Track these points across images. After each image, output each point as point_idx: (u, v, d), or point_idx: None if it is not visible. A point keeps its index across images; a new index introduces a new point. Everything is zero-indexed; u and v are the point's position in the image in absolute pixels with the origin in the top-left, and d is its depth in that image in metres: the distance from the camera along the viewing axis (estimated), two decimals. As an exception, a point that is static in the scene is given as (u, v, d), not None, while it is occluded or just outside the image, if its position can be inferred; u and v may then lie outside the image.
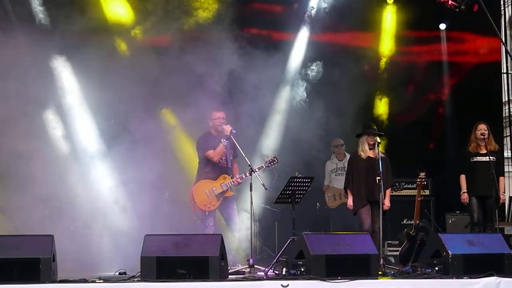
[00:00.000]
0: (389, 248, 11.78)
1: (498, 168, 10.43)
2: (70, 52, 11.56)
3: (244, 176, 9.78)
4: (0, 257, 7.60)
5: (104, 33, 11.63)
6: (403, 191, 12.12)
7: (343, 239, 8.43)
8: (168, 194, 12.25)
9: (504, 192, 10.84)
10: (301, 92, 12.93)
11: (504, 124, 14.11)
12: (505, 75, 14.04)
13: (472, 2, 11.89)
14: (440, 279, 8.06)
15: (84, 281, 7.91)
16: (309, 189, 10.50)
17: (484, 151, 10.39)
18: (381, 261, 9.18)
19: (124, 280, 7.96)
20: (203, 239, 8.34)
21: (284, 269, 8.68)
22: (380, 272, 8.64)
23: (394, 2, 13.28)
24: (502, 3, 13.68)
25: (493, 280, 7.86)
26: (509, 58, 13.76)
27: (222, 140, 9.87)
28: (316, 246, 8.16)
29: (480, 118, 10.77)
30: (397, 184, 10.76)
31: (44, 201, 11.15)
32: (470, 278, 7.94)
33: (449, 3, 12.22)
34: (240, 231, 10.34)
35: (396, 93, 13.42)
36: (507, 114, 14.41)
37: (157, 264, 7.80)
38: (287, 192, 10.15)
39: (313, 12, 12.85)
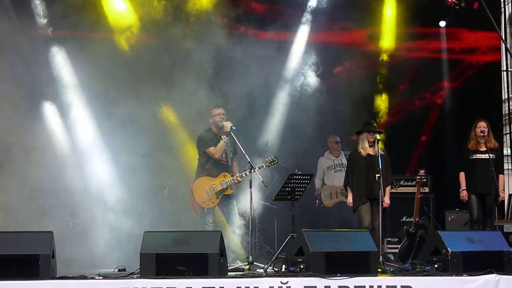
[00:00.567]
0: (388, 245, 11.78)
1: (497, 165, 10.43)
2: (69, 46, 11.56)
3: (244, 175, 9.77)
4: (-1, 253, 7.60)
5: (103, 27, 11.63)
6: (403, 188, 12.16)
7: (342, 236, 8.42)
8: (167, 190, 12.26)
9: (504, 190, 10.84)
10: (299, 88, 12.94)
11: (504, 121, 14.11)
12: (505, 72, 14.03)
13: (472, -1, 11.92)
14: (440, 277, 8.06)
15: (83, 277, 7.90)
16: (309, 186, 10.49)
17: (483, 149, 10.39)
18: (381, 258, 9.17)
19: (123, 277, 7.95)
20: (203, 236, 8.34)
21: (284, 266, 8.68)
22: (379, 269, 8.64)
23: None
24: (502, 0, 13.67)
25: (492, 277, 7.86)
26: (509, 56, 13.75)
27: (222, 136, 9.86)
28: (316, 243, 8.16)
29: (480, 115, 10.76)
30: (393, 182, 10.78)
31: (43, 198, 11.16)
32: (470, 275, 7.94)
33: (449, 0, 12.23)
34: (240, 228, 10.33)
35: (395, 90, 13.42)
36: (507, 112, 14.41)
37: (157, 261, 7.79)
38: (287, 189, 10.14)
39: (312, 7, 12.85)
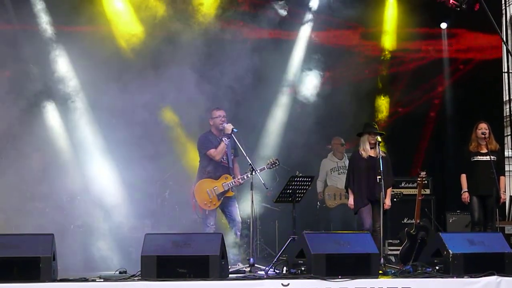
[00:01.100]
0: (389, 247, 11.77)
1: (498, 167, 10.41)
2: (69, 45, 11.56)
3: (245, 177, 9.76)
4: (0, 256, 7.59)
5: (104, 26, 11.63)
6: (404, 190, 12.15)
7: (343, 238, 8.42)
8: (168, 193, 12.25)
9: (505, 192, 10.83)
10: (301, 89, 12.95)
11: (505, 123, 14.11)
12: (506, 74, 14.02)
13: (473, 1, 11.91)
14: (441, 278, 8.06)
15: (85, 280, 7.90)
16: (310, 188, 10.48)
17: (484, 151, 10.38)
18: (382, 260, 9.17)
19: (124, 279, 7.96)
20: (204, 238, 8.34)
21: (285, 268, 8.69)
22: (380, 271, 8.63)
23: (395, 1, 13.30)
24: (503, 2, 13.66)
25: (493, 279, 7.86)
26: (510, 57, 13.74)
27: (223, 139, 9.85)
28: (317, 245, 8.16)
29: (481, 117, 10.76)
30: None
31: (44, 200, 11.15)
32: (471, 277, 7.95)
33: (450, 2, 12.23)
34: (241, 230, 10.32)
35: (396, 92, 13.42)
36: (507, 113, 14.41)
37: (158, 263, 7.79)
38: (288, 191, 10.14)
39: (314, 9, 12.87)
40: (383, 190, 9.67)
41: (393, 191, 10.50)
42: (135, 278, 7.96)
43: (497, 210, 10.60)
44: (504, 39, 13.12)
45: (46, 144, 11.32)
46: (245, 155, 9.70)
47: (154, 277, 7.73)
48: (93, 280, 7.93)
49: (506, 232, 11.32)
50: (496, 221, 10.53)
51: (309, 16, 12.92)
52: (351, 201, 10.22)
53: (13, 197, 10.82)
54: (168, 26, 11.46)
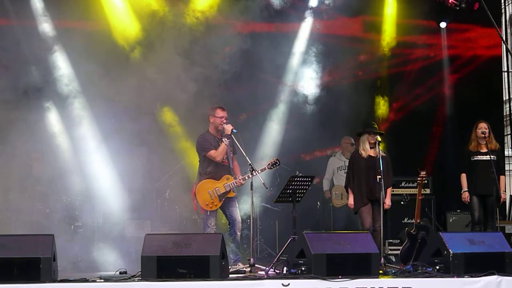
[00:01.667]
0: (390, 247, 11.77)
1: (498, 166, 10.41)
2: (68, 42, 11.57)
3: (247, 178, 9.74)
4: (0, 256, 7.58)
5: (102, 23, 11.64)
6: (404, 190, 12.15)
7: (344, 238, 8.41)
8: (168, 193, 12.26)
9: (505, 191, 10.82)
10: (301, 90, 12.97)
11: (504, 122, 14.11)
12: (505, 73, 14.02)
13: (473, 0, 11.90)
14: (441, 278, 8.05)
15: (85, 280, 7.89)
16: (310, 188, 10.48)
17: (484, 150, 10.37)
18: (382, 260, 9.17)
19: (124, 280, 7.94)
20: (204, 239, 8.33)
21: (285, 268, 8.67)
22: (381, 271, 8.63)
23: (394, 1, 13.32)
24: (502, 1, 13.67)
25: (494, 279, 7.85)
26: (509, 56, 13.75)
27: (223, 139, 9.83)
28: (317, 245, 8.15)
29: (481, 116, 10.76)
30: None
31: (44, 201, 11.16)
32: (471, 277, 7.93)
33: (450, 1, 12.23)
34: (241, 230, 10.32)
35: (396, 91, 13.43)
36: (507, 113, 14.41)
37: (158, 264, 7.78)
38: (288, 191, 10.13)
39: (312, 12, 12.90)
40: (383, 189, 9.66)
41: (393, 192, 10.49)
42: (136, 278, 7.95)
43: (497, 209, 10.60)
44: (504, 38, 13.11)
45: (46, 145, 11.32)
46: (245, 155, 9.69)
47: (154, 277, 7.72)
48: (94, 281, 7.92)
49: (507, 231, 11.33)
50: (496, 220, 10.52)
51: (308, 15, 12.96)
52: (351, 200, 10.22)
53: (13, 198, 10.83)
54: (166, 23, 11.48)
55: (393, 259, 11.20)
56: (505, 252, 8.37)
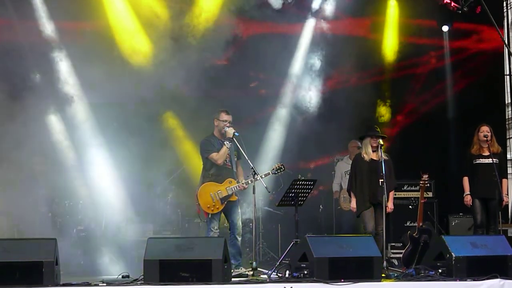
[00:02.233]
0: (392, 251, 11.75)
1: (501, 170, 10.40)
2: (71, 50, 11.58)
3: (250, 182, 9.73)
4: (3, 260, 7.59)
5: (103, 25, 11.65)
6: (406, 193, 12.14)
7: (346, 241, 8.41)
8: (170, 196, 12.26)
9: (507, 194, 10.80)
10: (303, 95, 12.98)
11: (507, 126, 14.09)
12: (508, 76, 14.01)
13: (475, 4, 11.91)
14: (444, 282, 8.05)
15: (87, 284, 7.91)
16: (312, 191, 10.48)
17: (487, 153, 10.36)
18: (384, 263, 9.15)
19: (127, 283, 7.95)
20: (206, 242, 8.34)
21: (287, 271, 8.66)
22: (383, 275, 8.62)
23: (396, 4, 13.33)
24: (504, 5, 13.66)
25: (496, 282, 7.85)
26: (512, 60, 13.73)
27: (225, 142, 9.83)
28: (319, 248, 8.15)
29: (483, 120, 10.75)
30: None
31: (46, 205, 11.16)
32: (474, 280, 7.94)
33: (452, 5, 12.23)
34: (244, 234, 10.32)
35: (399, 95, 13.43)
36: (510, 116, 14.40)
37: (160, 267, 7.78)
38: (290, 194, 10.13)
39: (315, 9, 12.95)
40: (385, 193, 9.66)
41: (396, 196, 10.49)
42: (138, 282, 7.96)
43: (500, 212, 10.58)
44: (506, 41, 13.10)
45: (48, 149, 11.33)
46: (247, 159, 9.69)
47: (156, 281, 7.72)
48: (96, 285, 7.94)
49: (509, 234, 11.29)
50: (498, 223, 10.51)
51: (311, 20, 13.00)
52: (353, 204, 10.21)
53: (15, 202, 10.83)
54: (169, 26, 11.50)
55: (396, 263, 11.17)
56: (508, 256, 8.37)
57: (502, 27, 13.12)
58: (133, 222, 11.72)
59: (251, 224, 10.64)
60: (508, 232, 11.32)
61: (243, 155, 9.76)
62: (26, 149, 10.70)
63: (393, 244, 11.83)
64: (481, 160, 10.39)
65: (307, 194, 10.25)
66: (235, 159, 9.99)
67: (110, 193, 11.53)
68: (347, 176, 12.26)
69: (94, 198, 11.50)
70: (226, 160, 9.86)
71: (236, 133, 9.81)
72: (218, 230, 9.75)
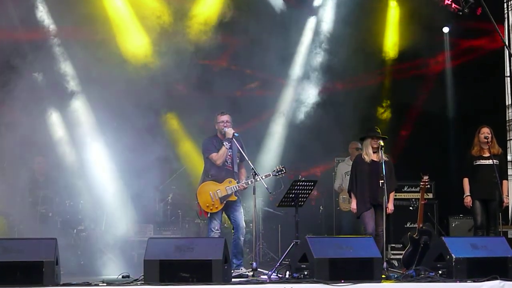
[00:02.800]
0: (392, 252, 11.77)
1: (501, 171, 10.40)
2: (72, 51, 11.59)
3: (250, 182, 9.74)
4: (3, 260, 7.59)
5: (105, 27, 11.67)
6: (406, 194, 12.15)
7: (346, 242, 8.40)
8: (171, 197, 12.28)
9: (508, 196, 10.80)
10: (305, 96, 13.00)
11: (507, 127, 14.08)
12: (508, 78, 14.01)
13: (476, 5, 11.90)
14: (444, 283, 8.04)
15: (88, 284, 7.91)
16: (312, 192, 10.48)
17: (487, 155, 10.37)
18: (385, 264, 9.15)
19: (127, 284, 7.96)
20: (206, 243, 8.33)
21: (288, 272, 8.68)
22: (383, 276, 8.62)
23: (397, 5, 13.35)
24: (505, 6, 13.67)
25: (496, 283, 7.84)
26: (512, 61, 13.73)
27: (224, 143, 9.84)
28: (319, 249, 8.15)
29: (484, 121, 10.75)
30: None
31: (47, 204, 11.17)
32: (474, 281, 7.92)
33: (453, 6, 12.22)
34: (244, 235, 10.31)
35: (399, 97, 13.43)
36: (510, 118, 14.38)
37: (160, 268, 7.78)
38: (290, 195, 10.13)
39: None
40: (385, 194, 9.66)
41: (396, 197, 10.49)
42: (138, 282, 7.96)
43: (500, 214, 10.59)
44: (506, 43, 13.10)
45: (48, 148, 11.34)
46: (247, 160, 9.70)
47: (157, 281, 7.72)
48: (96, 285, 7.93)
49: (509, 236, 11.32)
50: (499, 225, 10.51)
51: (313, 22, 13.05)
52: (353, 205, 10.21)
53: (16, 202, 10.85)
54: (169, 25, 11.52)
55: (396, 264, 11.19)
56: (508, 257, 8.35)
57: (503, 28, 13.13)
58: (133, 222, 11.73)
59: (251, 225, 10.64)
60: (508, 234, 11.33)
61: (244, 156, 9.77)
62: (27, 149, 10.72)
63: (393, 245, 11.85)
64: (482, 161, 10.39)
65: (307, 195, 10.25)
66: (238, 161, 9.97)
67: (110, 193, 11.54)
68: (347, 177, 12.30)
69: (95, 198, 11.51)
70: (227, 162, 9.86)
71: (235, 134, 9.81)
72: (219, 231, 9.74)
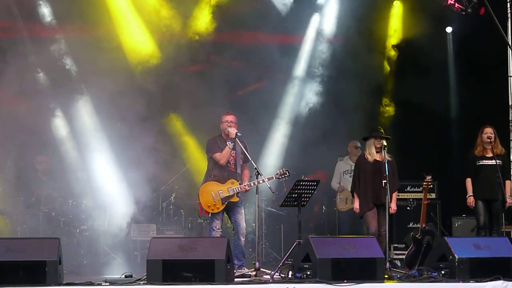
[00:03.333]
0: (395, 252, 11.75)
1: (504, 171, 10.38)
2: (77, 51, 11.59)
3: (252, 184, 9.72)
4: (6, 259, 7.60)
5: (109, 27, 11.67)
6: (410, 194, 12.14)
7: (349, 242, 8.40)
8: (173, 197, 12.28)
9: (511, 196, 10.79)
10: (306, 96, 13.01)
11: (510, 127, 14.05)
12: (511, 78, 13.98)
13: (479, 5, 11.90)
14: (446, 283, 8.05)
15: (90, 284, 7.91)
16: (315, 192, 10.47)
17: (490, 155, 10.36)
18: (387, 264, 9.15)
19: (130, 283, 7.96)
20: (209, 242, 8.33)
21: (290, 272, 8.67)
22: (386, 276, 8.62)
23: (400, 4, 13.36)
24: (508, 6, 13.64)
25: (499, 284, 7.84)
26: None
27: (227, 143, 9.83)
28: (322, 249, 8.15)
29: (487, 121, 10.74)
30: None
31: (50, 204, 11.19)
32: (477, 282, 7.93)
33: (456, 6, 12.22)
34: (246, 235, 10.32)
35: (402, 96, 13.42)
36: (513, 118, 14.36)
37: (163, 267, 7.79)
38: (293, 195, 10.12)
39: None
40: (388, 194, 9.65)
41: (399, 197, 10.48)
42: (141, 282, 7.97)
43: (503, 214, 10.58)
44: (509, 43, 13.08)
45: (51, 148, 11.35)
46: (251, 160, 9.69)
47: (159, 281, 7.73)
48: (99, 284, 7.94)
49: (512, 236, 11.31)
50: (501, 225, 10.50)
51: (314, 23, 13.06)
52: (356, 205, 10.21)
53: (19, 201, 10.86)
54: (171, 26, 11.52)
55: (399, 264, 11.18)
56: (511, 257, 8.35)
57: (506, 28, 13.11)
58: (136, 222, 11.74)
59: (254, 225, 10.63)
60: (511, 234, 11.31)
61: (247, 157, 9.76)
62: (30, 149, 10.73)
63: (396, 245, 11.83)
64: (485, 161, 10.38)
65: (310, 195, 10.24)
66: (241, 162, 9.96)
67: (113, 193, 11.55)
68: (345, 176, 12.34)
69: (97, 198, 11.52)
70: (230, 162, 9.84)
71: (238, 134, 9.80)
72: (220, 230, 9.74)
